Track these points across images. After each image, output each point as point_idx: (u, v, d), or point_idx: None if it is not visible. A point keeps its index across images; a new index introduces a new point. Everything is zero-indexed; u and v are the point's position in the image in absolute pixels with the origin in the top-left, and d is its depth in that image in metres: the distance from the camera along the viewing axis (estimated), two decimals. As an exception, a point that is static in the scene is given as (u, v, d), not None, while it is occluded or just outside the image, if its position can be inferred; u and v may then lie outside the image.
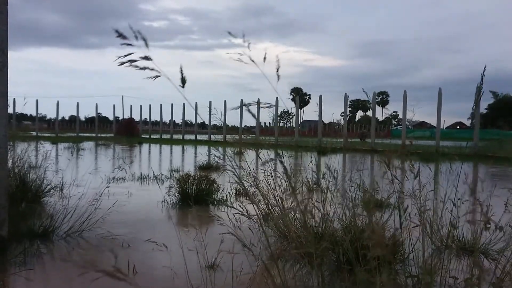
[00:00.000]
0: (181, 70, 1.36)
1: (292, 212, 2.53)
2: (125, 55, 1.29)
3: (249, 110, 1.51)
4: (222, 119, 20.75)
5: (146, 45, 1.28)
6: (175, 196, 4.66)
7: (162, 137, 30.53)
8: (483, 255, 2.71)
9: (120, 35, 1.26)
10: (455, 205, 2.13)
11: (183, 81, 1.37)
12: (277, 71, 1.49)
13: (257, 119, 24.19)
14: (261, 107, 1.54)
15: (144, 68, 1.33)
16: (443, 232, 2.72)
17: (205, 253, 2.41)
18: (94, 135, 31.43)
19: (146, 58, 1.30)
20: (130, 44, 1.28)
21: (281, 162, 1.50)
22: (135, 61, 1.31)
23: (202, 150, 16.56)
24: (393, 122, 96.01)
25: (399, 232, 2.18)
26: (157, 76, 1.35)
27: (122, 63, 1.30)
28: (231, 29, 1.44)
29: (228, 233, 2.06)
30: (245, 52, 1.41)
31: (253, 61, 1.44)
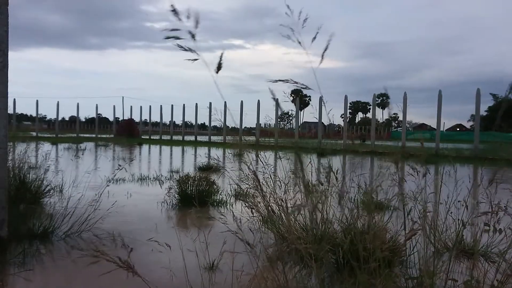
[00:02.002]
0: (221, 56, 1.41)
1: (295, 213, 2.52)
2: (172, 30, 1.34)
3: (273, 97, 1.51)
4: (222, 120, 20.72)
5: (196, 25, 1.34)
6: (175, 197, 4.66)
7: (162, 138, 30.53)
8: (483, 258, 2.70)
9: (174, 10, 1.33)
10: (467, 207, 2.13)
11: (219, 67, 1.42)
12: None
13: (257, 120, 24.21)
14: (300, 87, 1.53)
15: (187, 50, 1.38)
16: (444, 235, 2.72)
17: (206, 254, 2.41)
18: (94, 135, 31.43)
19: (192, 36, 1.35)
20: (180, 19, 1.33)
21: (299, 160, 1.51)
22: (179, 38, 1.37)
23: (202, 151, 16.56)
24: (393, 124, 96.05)
25: (403, 234, 2.18)
26: (195, 59, 1.40)
27: (168, 37, 1.35)
28: (233, 30, 1.45)
29: (229, 231, 2.06)
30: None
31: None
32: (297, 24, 1.45)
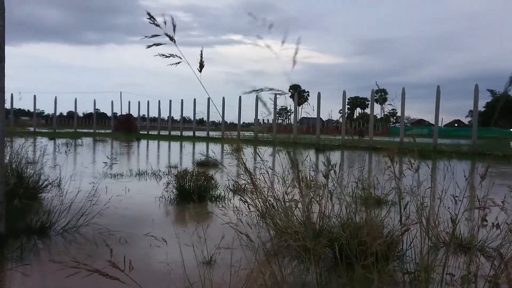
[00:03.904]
0: (201, 54, 1.42)
1: (293, 206, 2.53)
2: (152, 36, 1.35)
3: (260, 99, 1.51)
4: (221, 116, 20.71)
5: (174, 28, 1.34)
6: (173, 192, 4.66)
7: (160, 133, 30.50)
8: (480, 252, 2.72)
9: (150, 17, 1.33)
10: (456, 201, 2.13)
11: (201, 65, 1.42)
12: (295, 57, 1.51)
13: (256, 116, 24.19)
14: (275, 93, 1.54)
15: (169, 56, 1.39)
16: (441, 229, 2.73)
17: (204, 249, 2.41)
18: (92, 131, 31.38)
19: (170, 38, 1.35)
20: (158, 25, 1.34)
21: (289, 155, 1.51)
22: (160, 44, 1.38)
23: (200, 147, 16.56)
24: (391, 119, 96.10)
25: (399, 229, 2.19)
26: (178, 63, 1.41)
27: (149, 46, 1.37)
28: (232, 26, 1.46)
29: (229, 224, 2.06)
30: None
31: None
32: (297, 19, 1.45)
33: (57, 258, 2.61)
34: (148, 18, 1.37)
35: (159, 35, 1.39)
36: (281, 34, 1.46)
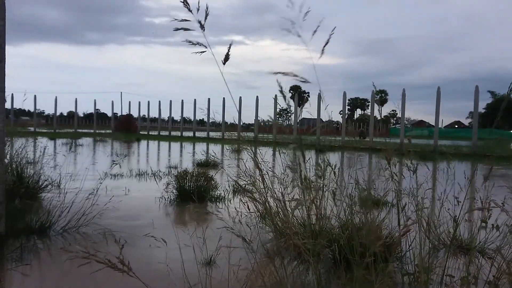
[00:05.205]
0: (229, 48, 1.41)
1: (292, 207, 2.53)
2: (181, 20, 1.35)
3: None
4: (221, 116, 20.72)
5: (206, 16, 1.34)
6: (173, 192, 4.66)
7: (161, 134, 30.49)
8: (480, 254, 2.71)
9: (184, 1, 1.33)
10: (458, 202, 2.13)
11: (226, 58, 1.42)
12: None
13: (256, 116, 24.18)
14: (297, 79, 1.51)
15: (195, 44, 1.38)
16: (440, 231, 2.73)
17: (203, 249, 2.41)
18: (92, 131, 31.38)
19: (201, 25, 1.35)
20: (190, 11, 1.33)
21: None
22: (188, 29, 1.37)
23: (200, 147, 16.56)
24: (392, 120, 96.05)
25: (397, 230, 2.18)
26: (203, 52, 1.40)
27: (177, 29, 1.35)
28: (233, 26, 1.46)
29: (227, 227, 2.06)
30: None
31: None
32: (297, 18, 1.45)
33: (53, 263, 2.61)
34: (182, 1, 1.35)
35: (189, 20, 1.37)
36: (283, 34, 1.46)
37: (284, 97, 1.58)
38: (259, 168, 1.70)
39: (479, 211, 2.00)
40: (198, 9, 1.36)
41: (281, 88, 1.51)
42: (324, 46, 1.50)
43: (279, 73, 1.46)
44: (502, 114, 1.91)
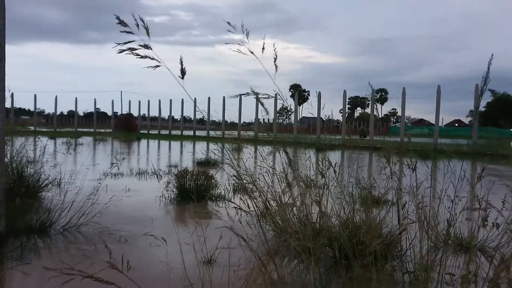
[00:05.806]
0: (181, 61, 1.37)
1: (290, 207, 2.53)
2: (125, 43, 1.29)
3: (259, 100, 1.49)
4: (221, 115, 20.71)
5: (147, 34, 1.28)
6: (173, 191, 4.66)
7: (161, 133, 30.49)
8: (480, 252, 2.71)
9: (121, 22, 1.26)
10: (453, 201, 2.13)
11: (183, 72, 1.37)
12: (275, 61, 1.48)
13: (256, 115, 24.17)
14: (261, 97, 1.51)
15: (145, 57, 1.33)
16: (440, 229, 2.73)
17: (203, 248, 2.41)
18: (92, 130, 31.38)
19: (146, 46, 1.30)
20: (131, 32, 1.27)
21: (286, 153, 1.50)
22: (135, 49, 1.30)
23: (201, 146, 16.56)
24: (392, 119, 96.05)
25: (397, 228, 2.18)
26: (157, 66, 1.35)
27: (122, 51, 1.29)
28: (233, 25, 1.43)
29: (226, 227, 2.06)
30: (244, 43, 1.41)
31: (252, 52, 1.43)
32: (296, 19, 1.45)
33: (53, 262, 2.61)
34: (118, 23, 1.28)
35: (133, 41, 1.30)
36: (282, 33, 1.46)
37: (267, 112, 1.59)
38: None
39: (480, 210, 1.99)
40: (137, 25, 1.29)
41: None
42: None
43: (247, 94, 1.45)
44: (499, 114, 1.91)
